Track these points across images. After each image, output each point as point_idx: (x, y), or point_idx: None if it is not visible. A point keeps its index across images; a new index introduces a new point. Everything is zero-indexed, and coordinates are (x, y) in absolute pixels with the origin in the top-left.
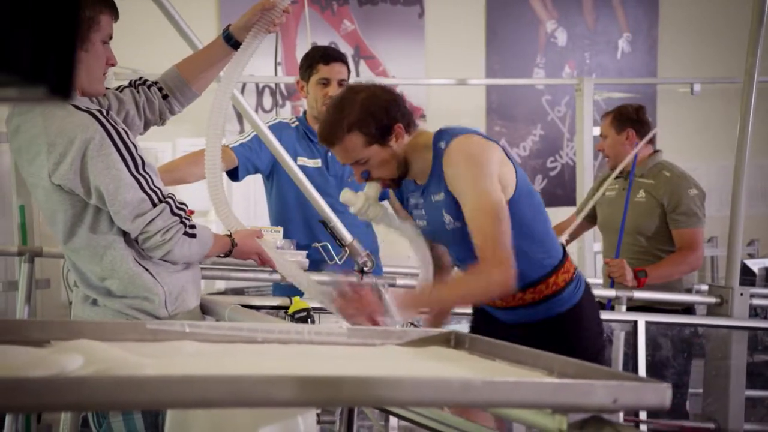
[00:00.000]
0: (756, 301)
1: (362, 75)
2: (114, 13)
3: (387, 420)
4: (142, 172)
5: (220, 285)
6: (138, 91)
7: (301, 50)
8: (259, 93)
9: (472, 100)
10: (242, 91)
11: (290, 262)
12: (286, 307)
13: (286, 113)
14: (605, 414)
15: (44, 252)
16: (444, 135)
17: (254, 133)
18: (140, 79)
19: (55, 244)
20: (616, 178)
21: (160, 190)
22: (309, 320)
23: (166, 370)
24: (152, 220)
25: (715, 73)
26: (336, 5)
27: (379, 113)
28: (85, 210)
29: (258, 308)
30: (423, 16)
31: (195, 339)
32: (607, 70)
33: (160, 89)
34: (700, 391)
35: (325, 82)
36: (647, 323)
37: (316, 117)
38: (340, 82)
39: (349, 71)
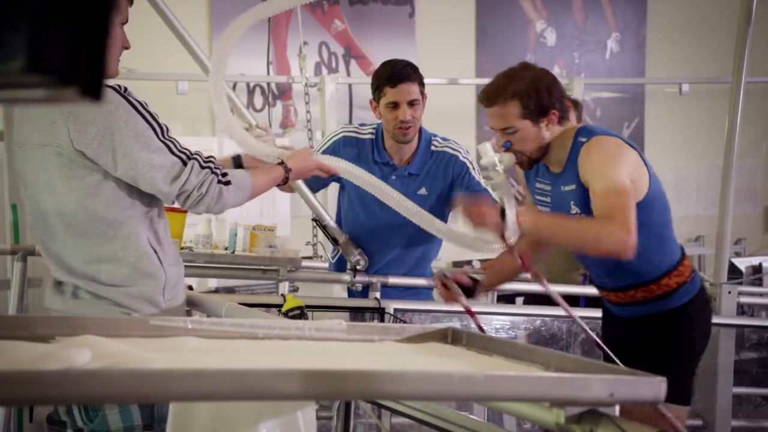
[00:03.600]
0: (743, 299)
1: (353, 75)
2: None
3: (380, 416)
4: (168, 137)
5: (212, 284)
6: None
7: (292, 50)
8: (250, 92)
9: (463, 100)
10: (233, 89)
11: (351, 165)
12: (280, 305)
13: (277, 113)
14: (601, 408)
15: (37, 250)
16: (585, 132)
17: (323, 149)
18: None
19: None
20: None
21: (188, 150)
22: (302, 318)
23: (173, 365)
24: (187, 179)
25: (703, 72)
26: (327, 5)
27: (543, 93)
28: (103, 181)
29: (250, 306)
30: (413, 15)
31: (197, 335)
32: (596, 69)
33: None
34: None
35: (394, 105)
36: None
37: (392, 139)
38: (412, 102)
39: (422, 84)
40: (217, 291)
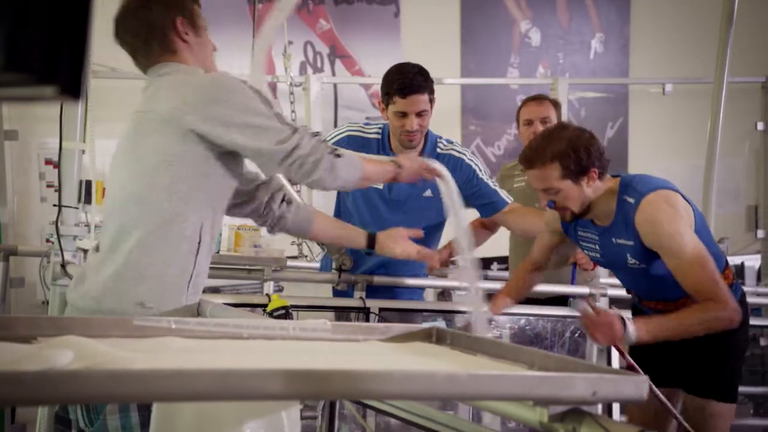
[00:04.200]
0: None
1: (338, 74)
2: None
3: (365, 416)
4: (277, 110)
5: None
6: (274, 204)
7: (276, 49)
8: None
9: (448, 100)
10: None
11: (449, 173)
12: (265, 305)
13: None
14: (584, 406)
15: (19, 251)
16: (630, 190)
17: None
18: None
19: (30, 243)
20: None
21: (294, 122)
22: (287, 318)
23: (156, 365)
24: (297, 144)
25: (686, 73)
26: (312, 4)
27: (582, 153)
28: (184, 153)
29: (235, 306)
30: (399, 15)
31: (181, 335)
32: (580, 69)
33: (288, 202)
34: None
35: (403, 114)
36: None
37: (398, 143)
38: (420, 113)
39: (432, 93)
40: (204, 291)
